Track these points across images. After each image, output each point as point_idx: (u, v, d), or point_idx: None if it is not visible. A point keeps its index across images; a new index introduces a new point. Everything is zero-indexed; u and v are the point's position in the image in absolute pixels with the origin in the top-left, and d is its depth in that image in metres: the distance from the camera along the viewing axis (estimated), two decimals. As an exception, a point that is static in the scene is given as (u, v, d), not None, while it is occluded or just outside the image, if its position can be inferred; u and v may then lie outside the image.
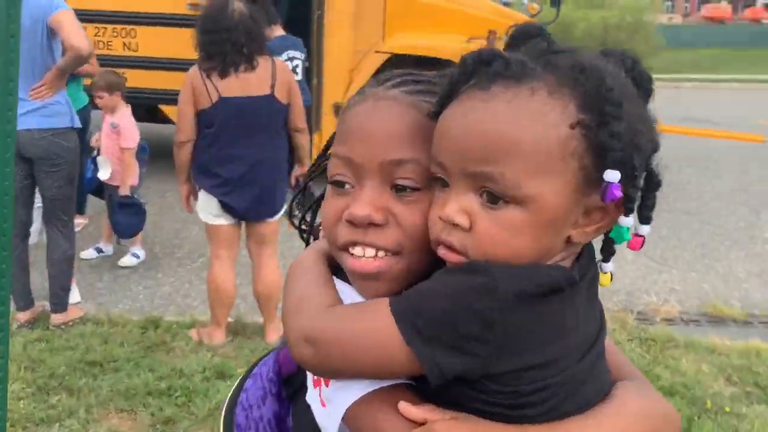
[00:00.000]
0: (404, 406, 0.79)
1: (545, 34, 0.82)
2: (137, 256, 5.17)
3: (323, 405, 0.87)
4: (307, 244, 1.04)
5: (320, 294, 0.86)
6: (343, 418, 0.83)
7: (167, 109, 7.16)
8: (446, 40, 7.35)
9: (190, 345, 3.73)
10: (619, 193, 0.74)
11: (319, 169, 1.02)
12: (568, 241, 0.79)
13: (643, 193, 0.80)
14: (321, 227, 0.93)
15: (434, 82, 0.90)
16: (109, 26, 7.15)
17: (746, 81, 23.40)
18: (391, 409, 0.80)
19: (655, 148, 0.80)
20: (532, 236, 0.76)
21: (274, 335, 3.83)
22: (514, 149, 0.74)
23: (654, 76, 0.83)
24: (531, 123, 0.74)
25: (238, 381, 1.12)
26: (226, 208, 3.61)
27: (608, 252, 0.84)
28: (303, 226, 1.06)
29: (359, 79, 7.18)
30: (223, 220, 3.66)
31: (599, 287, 0.85)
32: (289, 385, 1.03)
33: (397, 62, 7.31)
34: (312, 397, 0.91)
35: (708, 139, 11.22)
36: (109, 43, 7.17)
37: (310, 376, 0.91)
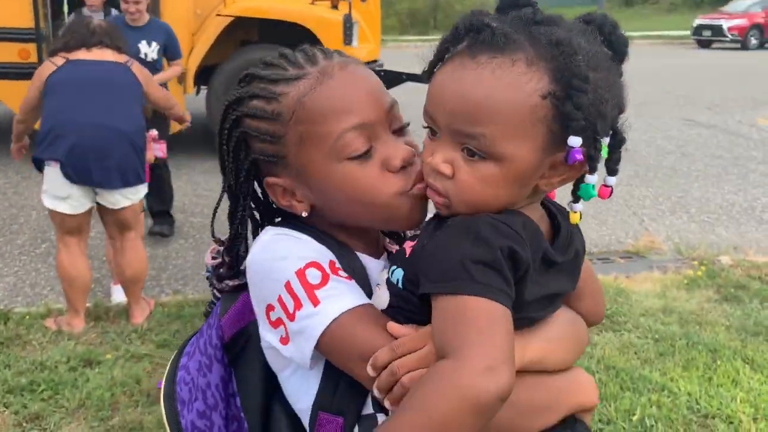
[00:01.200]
0: (392, 326, 0.89)
1: (533, 3, 0.90)
2: (-29, 247, 4.72)
3: (285, 343, 0.93)
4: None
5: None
6: (317, 342, 0.90)
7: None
8: (291, 2, 7.24)
9: (48, 336, 3.48)
10: (580, 157, 0.85)
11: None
12: (536, 189, 0.91)
13: (609, 149, 0.91)
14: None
15: None
16: None
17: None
18: (371, 324, 0.90)
19: (621, 111, 0.90)
20: (503, 187, 0.88)
21: (140, 316, 3.68)
22: (493, 114, 0.84)
23: None
24: (509, 92, 0.84)
25: (170, 364, 1.16)
26: (74, 179, 3.29)
27: (577, 196, 0.94)
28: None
29: (202, 44, 6.91)
30: (68, 208, 3.37)
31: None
32: (229, 350, 1.08)
33: (241, 24, 7.11)
34: (270, 341, 0.96)
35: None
36: None
37: (265, 319, 0.96)
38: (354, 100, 0.96)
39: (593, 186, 0.90)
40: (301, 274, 0.92)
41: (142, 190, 3.57)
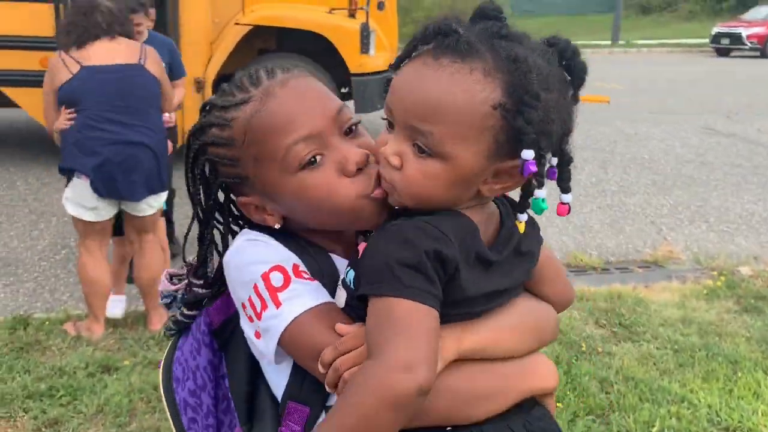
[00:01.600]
0: (340, 326, 0.95)
1: (502, 18, 0.95)
2: (-9, 253, 4.77)
3: (258, 338, 1.00)
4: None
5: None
6: (279, 341, 0.96)
7: (11, 92, 6.61)
8: (308, 11, 7.28)
9: (68, 342, 3.51)
10: (535, 168, 0.90)
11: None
12: (478, 193, 0.96)
13: (558, 168, 0.96)
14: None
15: None
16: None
17: (582, 46, 25.09)
18: (325, 324, 0.96)
19: (567, 132, 0.95)
20: (445, 186, 0.93)
21: (158, 323, 3.70)
22: (444, 115, 0.90)
23: None
24: (463, 97, 0.89)
25: (171, 343, 1.24)
26: (103, 193, 3.33)
27: (522, 207, 0.99)
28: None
29: (220, 52, 6.96)
30: (94, 216, 3.41)
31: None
32: (218, 336, 1.15)
33: (259, 33, 7.16)
34: (248, 332, 1.03)
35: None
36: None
37: (243, 314, 1.03)
38: (297, 114, 1.01)
39: (543, 200, 0.95)
40: (265, 277, 0.99)
41: (164, 195, 3.63)
